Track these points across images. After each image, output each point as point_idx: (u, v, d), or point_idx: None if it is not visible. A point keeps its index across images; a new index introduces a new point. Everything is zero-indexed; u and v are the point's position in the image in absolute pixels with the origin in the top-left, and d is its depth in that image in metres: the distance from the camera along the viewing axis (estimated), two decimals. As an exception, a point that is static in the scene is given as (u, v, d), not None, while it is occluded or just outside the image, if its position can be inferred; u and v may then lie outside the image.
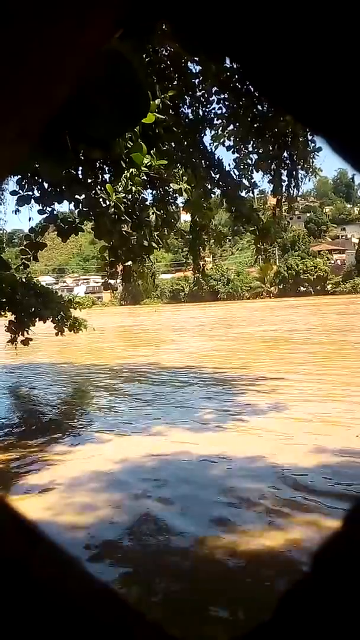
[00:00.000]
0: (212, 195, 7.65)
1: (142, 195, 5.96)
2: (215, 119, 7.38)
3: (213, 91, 7.06)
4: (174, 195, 6.66)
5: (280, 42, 0.40)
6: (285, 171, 7.73)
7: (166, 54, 6.21)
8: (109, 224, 5.49)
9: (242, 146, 7.68)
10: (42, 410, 11.36)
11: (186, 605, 3.76)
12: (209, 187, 7.37)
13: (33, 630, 0.38)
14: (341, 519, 0.42)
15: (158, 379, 13.88)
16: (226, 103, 7.14)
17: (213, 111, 7.32)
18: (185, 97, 6.92)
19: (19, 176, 5.10)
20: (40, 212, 5.78)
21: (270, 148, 7.39)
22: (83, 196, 5.41)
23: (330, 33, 0.38)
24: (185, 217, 8.46)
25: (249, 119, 7.01)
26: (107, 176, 5.52)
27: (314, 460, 6.44)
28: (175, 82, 6.47)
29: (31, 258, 6.71)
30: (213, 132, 7.49)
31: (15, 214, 6.34)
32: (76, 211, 5.64)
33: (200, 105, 7.25)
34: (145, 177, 5.66)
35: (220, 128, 7.47)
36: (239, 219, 7.54)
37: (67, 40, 0.39)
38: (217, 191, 7.57)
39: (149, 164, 5.30)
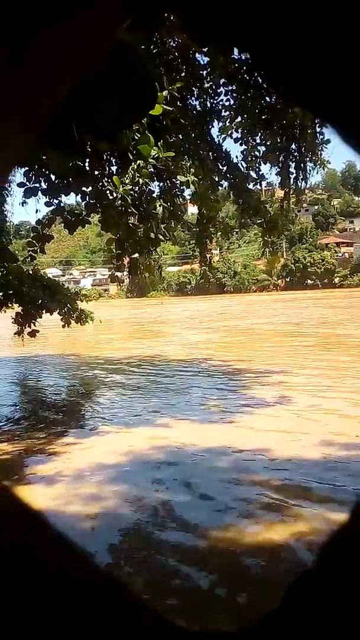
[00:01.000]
0: (220, 188, 7.61)
1: (149, 187, 5.95)
2: (223, 110, 7.33)
3: (221, 83, 7.01)
4: (181, 188, 6.64)
5: (289, 31, 0.39)
6: (293, 163, 7.69)
7: (174, 45, 6.17)
8: (115, 216, 5.48)
9: (249, 138, 7.63)
10: (49, 401, 11.42)
11: (192, 595, 3.79)
12: (217, 179, 7.33)
13: (37, 617, 0.38)
14: (347, 513, 0.42)
15: (164, 371, 13.92)
16: (234, 95, 7.09)
17: (221, 103, 7.28)
18: (193, 88, 6.88)
19: (27, 168, 5.10)
20: (47, 204, 5.78)
21: (278, 140, 7.34)
22: (90, 188, 5.41)
23: (340, 21, 0.37)
24: (192, 209, 8.44)
25: (256, 111, 6.96)
26: (114, 168, 5.51)
27: (321, 452, 6.45)
28: (183, 74, 6.43)
29: (38, 250, 6.72)
30: (221, 124, 7.45)
31: (23, 205, 6.36)
32: (83, 203, 5.64)
33: (208, 97, 7.21)
34: (152, 169, 5.64)
35: (228, 120, 7.42)
36: (246, 211, 7.51)
37: (74, 30, 0.39)
38: (225, 183, 7.54)
39: (156, 156, 5.28)
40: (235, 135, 7.57)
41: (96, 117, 1.43)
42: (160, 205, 6.05)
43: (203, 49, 5.91)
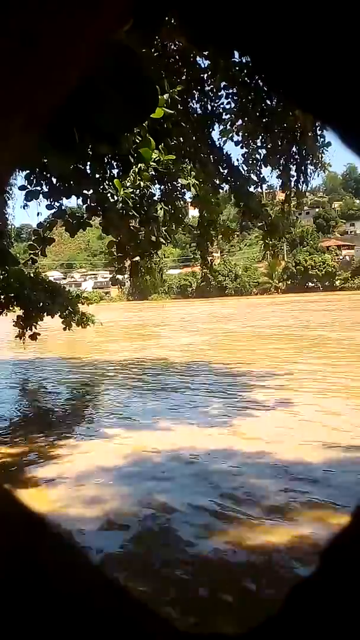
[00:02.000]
0: (221, 191, 7.61)
1: (150, 190, 5.95)
2: (224, 113, 7.32)
3: (222, 86, 7.01)
4: (182, 191, 6.65)
5: (290, 34, 0.39)
6: (294, 166, 7.69)
7: (175, 48, 6.18)
8: (117, 219, 5.48)
9: (250, 141, 7.63)
10: (50, 404, 11.42)
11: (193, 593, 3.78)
12: (217, 182, 7.33)
13: (41, 618, 0.38)
14: (350, 515, 0.42)
15: (165, 374, 13.91)
16: (235, 98, 7.09)
17: (222, 106, 7.27)
18: (194, 91, 6.88)
19: (28, 171, 5.10)
20: (49, 207, 5.78)
21: (279, 143, 7.34)
22: (91, 191, 5.40)
23: (340, 26, 0.37)
24: (194, 212, 8.44)
25: (257, 114, 6.96)
26: (115, 171, 5.51)
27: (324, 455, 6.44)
28: (184, 77, 6.44)
29: (39, 253, 6.71)
30: (222, 127, 7.44)
31: (24, 208, 6.34)
32: (84, 206, 5.64)
33: (209, 100, 7.20)
34: (153, 172, 5.64)
35: (229, 123, 7.42)
36: (247, 214, 7.51)
37: (78, 26, 0.39)
38: (226, 186, 7.53)
39: (157, 159, 5.28)
40: (236, 138, 7.57)
41: (97, 119, 1.44)
42: (161, 208, 6.05)
43: (204, 52, 5.92)
